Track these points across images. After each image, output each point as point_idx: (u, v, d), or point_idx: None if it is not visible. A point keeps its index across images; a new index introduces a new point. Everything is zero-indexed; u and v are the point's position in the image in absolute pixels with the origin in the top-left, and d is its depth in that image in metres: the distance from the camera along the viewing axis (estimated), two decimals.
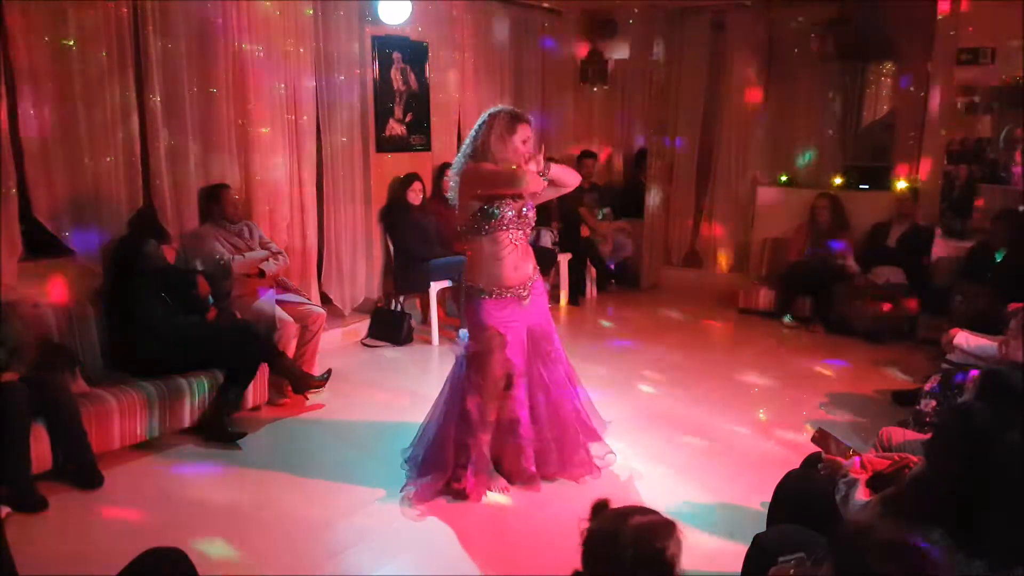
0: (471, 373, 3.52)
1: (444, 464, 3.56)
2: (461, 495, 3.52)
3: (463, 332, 3.72)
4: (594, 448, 3.83)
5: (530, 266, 3.61)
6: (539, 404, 3.65)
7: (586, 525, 1.75)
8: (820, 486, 2.60)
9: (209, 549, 3.12)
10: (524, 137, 3.50)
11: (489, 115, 3.56)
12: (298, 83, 5.40)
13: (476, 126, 3.57)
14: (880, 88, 7.57)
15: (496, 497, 3.57)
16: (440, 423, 3.63)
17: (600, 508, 1.78)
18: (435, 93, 6.69)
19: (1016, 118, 6.15)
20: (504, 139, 3.47)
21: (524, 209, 3.54)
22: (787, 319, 6.66)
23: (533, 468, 3.64)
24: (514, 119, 3.51)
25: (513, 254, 3.51)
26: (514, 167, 3.41)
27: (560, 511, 3.42)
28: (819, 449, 2.81)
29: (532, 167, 3.44)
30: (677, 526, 1.70)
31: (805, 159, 7.61)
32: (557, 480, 3.71)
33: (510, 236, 3.50)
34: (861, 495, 2.25)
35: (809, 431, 4.37)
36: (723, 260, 8.08)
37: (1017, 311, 3.91)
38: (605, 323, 6.98)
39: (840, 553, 1.45)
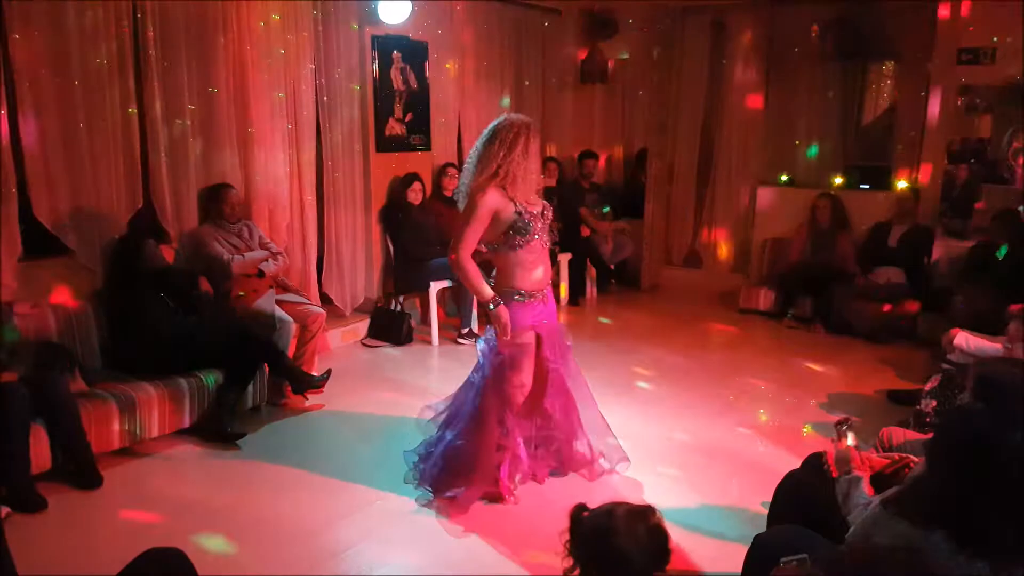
0: (512, 375, 3.45)
1: (486, 472, 3.49)
2: (499, 499, 3.51)
3: (481, 341, 3.66)
4: (600, 443, 3.84)
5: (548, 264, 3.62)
6: (558, 403, 3.66)
7: (567, 537, 1.77)
8: (820, 486, 2.60)
9: (209, 549, 3.12)
10: (535, 151, 3.43)
11: (511, 125, 3.36)
12: (298, 83, 5.40)
13: (493, 134, 3.36)
14: (880, 88, 7.57)
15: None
16: (472, 431, 3.52)
17: (578, 513, 1.79)
18: (435, 93, 6.69)
19: (1016, 118, 6.16)
20: (527, 156, 3.36)
21: (544, 211, 3.51)
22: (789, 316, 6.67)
23: (555, 463, 3.73)
24: (525, 133, 3.37)
25: (543, 256, 3.52)
26: (492, 305, 3.35)
27: (562, 511, 3.41)
28: (820, 452, 2.82)
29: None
30: (654, 507, 1.79)
31: (811, 153, 7.60)
32: (560, 476, 3.75)
33: (541, 242, 3.49)
34: (864, 492, 2.23)
35: (809, 432, 4.41)
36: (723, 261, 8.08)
37: (1018, 313, 3.91)
38: (604, 319, 6.98)
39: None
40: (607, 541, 1.68)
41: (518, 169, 3.34)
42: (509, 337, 3.40)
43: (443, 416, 3.74)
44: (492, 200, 3.33)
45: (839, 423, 2.54)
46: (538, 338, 3.53)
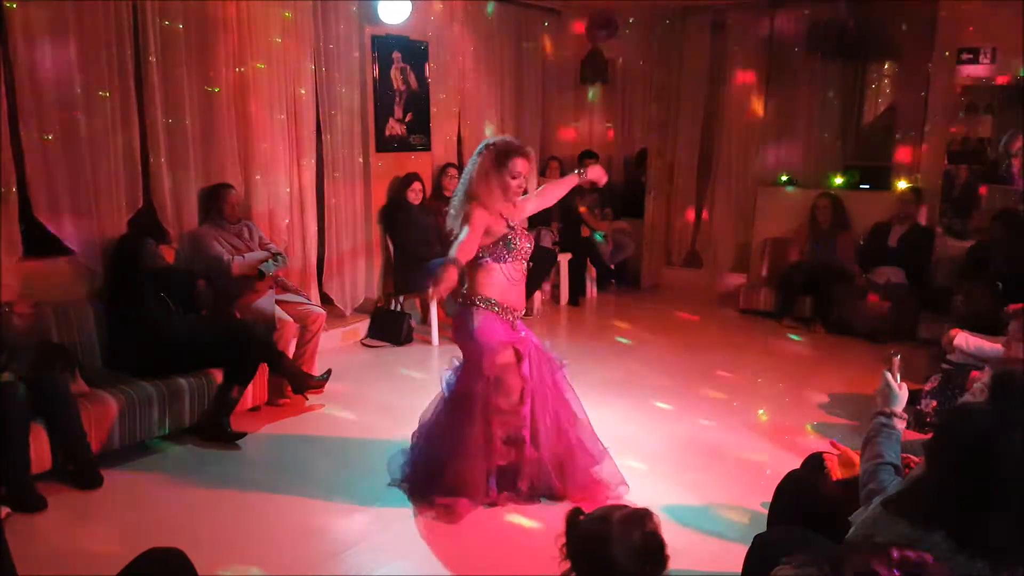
0: (499, 399, 3.43)
1: (476, 483, 3.48)
2: (494, 503, 3.51)
3: (449, 373, 3.64)
4: (603, 471, 3.66)
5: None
6: (543, 424, 3.55)
7: (563, 540, 1.76)
8: (820, 486, 2.60)
9: (208, 549, 3.12)
10: (518, 171, 3.40)
11: (483, 147, 3.46)
12: (298, 83, 5.40)
13: (472, 156, 3.50)
14: (880, 88, 7.57)
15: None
16: (453, 443, 3.50)
17: (574, 517, 1.78)
18: (435, 93, 6.69)
19: (1016, 118, 6.16)
20: (489, 177, 3.37)
21: (527, 236, 3.55)
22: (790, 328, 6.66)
23: (526, 487, 3.57)
24: (505, 154, 3.39)
25: (521, 280, 3.54)
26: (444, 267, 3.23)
27: (560, 514, 3.41)
28: (820, 452, 2.81)
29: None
30: (651, 511, 1.75)
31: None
32: (556, 501, 3.56)
33: (523, 265, 3.53)
34: (894, 451, 2.16)
35: (810, 432, 4.41)
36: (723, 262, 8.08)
37: (1017, 312, 3.91)
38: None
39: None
40: (601, 547, 1.67)
41: (484, 189, 3.38)
42: (437, 293, 3.17)
43: (424, 428, 3.70)
44: (482, 217, 3.37)
45: (894, 352, 2.40)
46: (517, 354, 3.48)
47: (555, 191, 3.80)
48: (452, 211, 3.52)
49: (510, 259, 3.45)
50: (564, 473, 3.58)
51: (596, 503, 3.49)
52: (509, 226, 3.44)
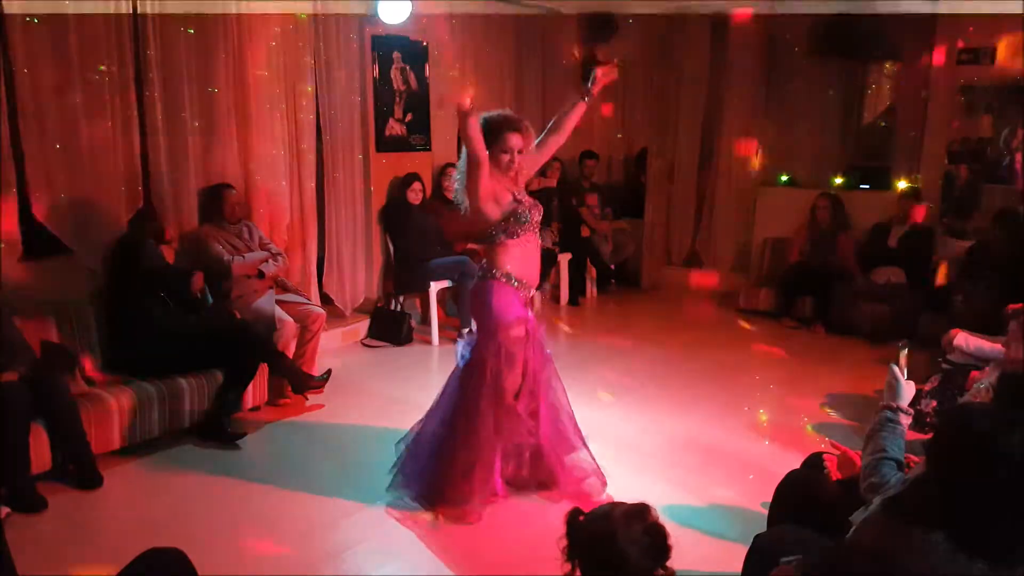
0: (506, 371, 3.40)
1: (489, 478, 3.46)
2: (495, 498, 3.51)
3: (461, 343, 3.63)
4: (582, 459, 3.67)
5: None
6: (543, 407, 3.57)
7: (564, 543, 1.76)
8: (820, 486, 2.60)
9: (208, 550, 3.12)
10: (509, 146, 3.36)
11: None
12: (298, 83, 5.40)
13: None
14: (880, 88, 7.57)
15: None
16: (469, 433, 3.44)
17: (574, 517, 1.79)
18: (435, 93, 6.68)
19: (1016, 118, 6.16)
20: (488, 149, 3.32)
21: (534, 207, 3.49)
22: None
23: (527, 471, 3.60)
24: (497, 129, 3.35)
25: (536, 254, 3.52)
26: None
27: (562, 510, 3.41)
28: (820, 452, 2.81)
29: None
30: (649, 504, 1.77)
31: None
32: (547, 490, 3.60)
33: (537, 236, 3.51)
34: (897, 444, 2.15)
35: (810, 432, 4.41)
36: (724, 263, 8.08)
37: (1016, 312, 3.91)
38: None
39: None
40: (606, 545, 1.68)
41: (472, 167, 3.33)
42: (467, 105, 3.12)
43: (427, 422, 3.66)
44: (488, 182, 3.34)
45: (902, 344, 2.38)
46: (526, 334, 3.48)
47: (564, 126, 3.65)
48: (457, 185, 3.52)
49: (522, 232, 3.42)
50: (550, 459, 3.60)
51: (576, 491, 3.54)
52: (516, 199, 3.41)
